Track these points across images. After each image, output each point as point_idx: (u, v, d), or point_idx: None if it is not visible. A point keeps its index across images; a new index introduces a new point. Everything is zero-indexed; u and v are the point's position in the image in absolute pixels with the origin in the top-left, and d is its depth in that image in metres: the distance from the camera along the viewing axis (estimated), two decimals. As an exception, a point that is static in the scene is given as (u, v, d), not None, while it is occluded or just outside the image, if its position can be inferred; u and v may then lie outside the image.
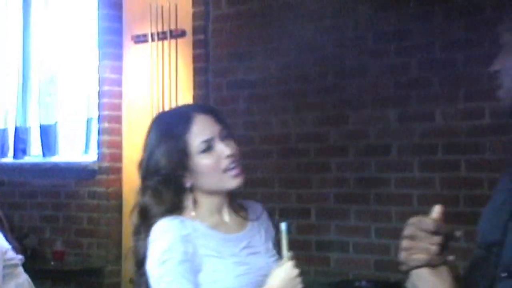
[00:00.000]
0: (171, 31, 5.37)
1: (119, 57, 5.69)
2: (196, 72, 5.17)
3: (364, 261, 4.44)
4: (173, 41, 5.37)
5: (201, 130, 2.26)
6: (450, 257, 1.60)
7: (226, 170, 2.26)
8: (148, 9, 5.47)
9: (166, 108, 5.31)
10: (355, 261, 4.45)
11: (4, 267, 4.97)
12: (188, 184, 2.26)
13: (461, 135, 4.16)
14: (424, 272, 1.57)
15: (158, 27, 5.43)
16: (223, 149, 2.25)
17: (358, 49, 4.50)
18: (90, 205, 5.78)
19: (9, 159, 6.57)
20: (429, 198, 4.20)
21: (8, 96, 6.63)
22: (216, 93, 5.09)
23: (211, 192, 2.28)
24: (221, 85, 5.07)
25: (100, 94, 5.68)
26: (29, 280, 5.16)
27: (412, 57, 4.31)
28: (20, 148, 6.50)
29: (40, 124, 6.36)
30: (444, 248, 1.60)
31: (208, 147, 2.25)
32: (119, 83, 5.69)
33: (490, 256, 1.63)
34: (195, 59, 5.18)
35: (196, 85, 5.16)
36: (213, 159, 2.24)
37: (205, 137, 2.25)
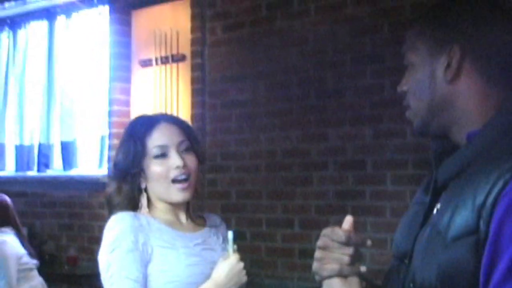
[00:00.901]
0: (172, 56, 5.33)
1: (127, 79, 5.65)
2: (194, 93, 5.11)
3: (342, 268, 4.33)
4: (174, 65, 5.32)
5: (159, 136, 2.20)
6: (362, 268, 1.51)
7: (174, 181, 2.18)
8: (153, 36, 5.43)
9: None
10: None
11: (19, 270, 4.97)
12: (143, 185, 2.21)
13: (430, 151, 4.04)
14: (335, 282, 1.48)
15: (162, 52, 5.39)
16: (175, 160, 2.17)
17: (337, 71, 4.41)
18: (101, 215, 5.73)
19: (33, 172, 6.56)
20: (401, 209, 4.08)
21: (34, 116, 6.63)
22: (211, 112, 5.03)
23: (162, 199, 2.22)
24: (216, 105, 5.01)
25: (110, 114, 5.64)
26: (43, 283, 5.13)
27: (386, 79, 4.21)
28: (43, 162, 6.49)
29: (61, 141, 6.35)
30: (356, 258, 1.51)
31: (162, 154, 2.19)
32: (127, 103, 5.65)
33: (402, 267, 1.54)
34: (193, 81, 5.13)
35: (194, 105, 5.10)
36: (163, 166, 2.18)
37: (160, 143, 2.19)
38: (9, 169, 6.84)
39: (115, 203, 2.20)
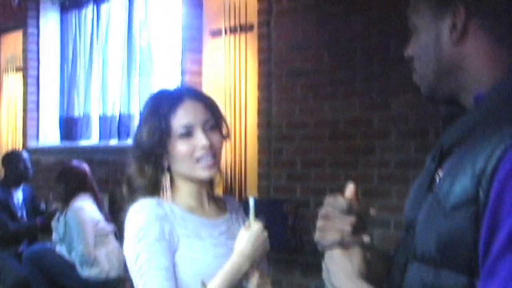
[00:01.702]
0: (241, 26, 5.26)
1: (199, 50, 5.63)
2: (260, 63, 5.04)
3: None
4: (243, 35, 5.25)
5: (185, 115, 2.06)
6: (365, 238, 1.42)
7: (198, 160, 2.06)
8: (223, 6, 5.38)
9: (238, 96, 5.22)
10: (395, 237, 4.21)
11: (96, 235, 5.10)
12: (166, 164, 2.09)
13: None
14: (336, 252, 1.41)
15: (231, 22, 5.33)
16: (201, 139, 2.05)
17: (401, 39, 4.21)
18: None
19: (114, 141, 6.70)
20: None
21: (115, 88, 6.75)
22: (277, 82, 4.95)
23: (187, 177, 2.11)
24: (282, 74, 4.92)
25: (182, 84, 5.65)
26: (119, 247, 5.24)
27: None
28: (124, 132, 6.61)
29: (140, 111, 6.42)
30: (360, 228, 1.42)
31: (187, 133, 2.06)
32: (199, 73, 5.63)
33: (408, 236, 1.45)
34: (260, 51, 5.06)
35: (261, 75, 5.03)
36: (188, 146, 2.06)
37: (186, 122, 2.06)
38: (94, 139, 7.02)
39: (137, 185, 2.07)
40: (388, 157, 4.28)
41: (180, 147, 2.06)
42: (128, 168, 2.13)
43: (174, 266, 1.97)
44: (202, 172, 2.06)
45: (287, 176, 4.84)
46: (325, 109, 4.62)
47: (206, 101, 2.14)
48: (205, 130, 2.07)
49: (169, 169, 2.10)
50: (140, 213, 2.00)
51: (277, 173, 4.90)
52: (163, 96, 2.15)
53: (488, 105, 1.29)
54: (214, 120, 2.12)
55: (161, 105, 2.09)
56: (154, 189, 2.08)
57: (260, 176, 4.97)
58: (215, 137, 2.09)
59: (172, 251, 1.98)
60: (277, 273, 4.83)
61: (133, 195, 2.07)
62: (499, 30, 1.32)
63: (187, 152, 2.05)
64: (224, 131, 2.17)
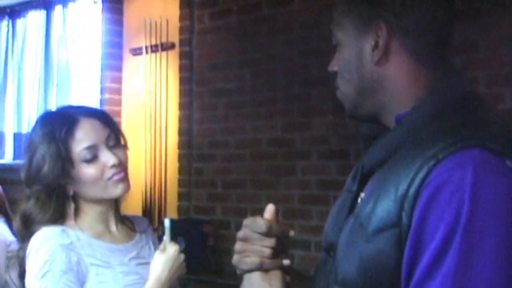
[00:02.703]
0: (162, 44, 5.20)
1: (119, 68, 5.53)
2: (182, 81, 4.99)
3: (324, 258, 4.21)
4: (164, 53, 5.19)
5: (85, 136, 1.90)
6: (285, 261, 1.37)
7: (109, 179, 1.93)
8: (144, 25, 5.31)
9: (158, 115, 5.15)
10: (315, 258, 4.20)
11: (8, 257, 4.89)
12: (70, 191, 1.92)
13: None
14: (255, 276, 1.34)
15: (152, 40, 5.26)
16: (108, 158, 1.91)
17: (321, 59, 4.25)
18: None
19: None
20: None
21: (31, 104, 6.55)
22: (199, 100, 4.90)
23: (95, 201, 1.97)
24: (203, 93, 4.88)
25: (102, 102, 5.54)
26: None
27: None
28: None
29: (29, 138, 6.24)
30: (279, 251, 1.37)
31: (92, 156, 1.90)
32: (118, 92, 5.53)
33: (329, 259, 1.41)
34: (181, 69, 5.01)
35: (182, 94, 4.98)
36: (96, 168, 1.91)
37: (88, 144, 1.90)
38: (8, 157, 6.78)
39: (38, 220, 1.89)
40: (309, 177, 4.29)
41: (88, 172, 1.91)
42: (22, 204, 1.92)
43: None
44: (116, 190, 1.94)
45: (208, 196, 4.79)
46: (246, 129, 4.60)
47: (101, 116, 2.00)
48: (109, 147, 1.94)
49: (73, 196, 1.95)
50: (44, 244, 1.84)
51: (197, 193, 4.84)
52: (55, 118, 1.96)
53: (408, 126, 1.27)
54: (114, 134, 1.98)
55: (55, 130, 1.90)
56: (58, 220, 1.92)
57: (180, 196, 4.90)
58: (120, 152, 1.97)
59: (80, 282, 1.86)
60: (197, 295, 4.76)
61: (32, 230, 1.89)
62: (421, 50, 1.30)
63: (96, 175, 1.91)
64: (123, 142, 2.03)
